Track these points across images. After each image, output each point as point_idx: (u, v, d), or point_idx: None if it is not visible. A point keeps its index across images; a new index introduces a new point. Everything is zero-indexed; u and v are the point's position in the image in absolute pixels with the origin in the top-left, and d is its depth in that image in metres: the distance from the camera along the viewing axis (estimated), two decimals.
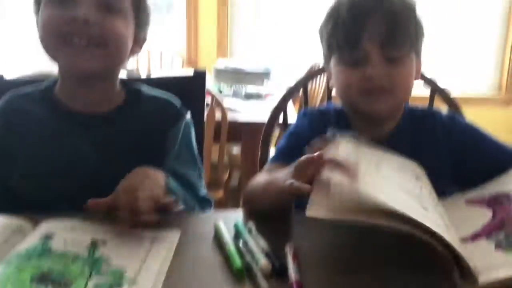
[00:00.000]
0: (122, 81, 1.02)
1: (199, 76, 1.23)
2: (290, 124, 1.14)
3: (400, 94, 0.94)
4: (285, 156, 0.96)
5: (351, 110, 1.01)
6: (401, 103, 0.98)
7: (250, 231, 0.75)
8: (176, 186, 0.88)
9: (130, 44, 0.94)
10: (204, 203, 0.99)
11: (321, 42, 1.01)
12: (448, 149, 0.97)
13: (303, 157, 0.76)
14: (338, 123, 1.02)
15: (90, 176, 0.92)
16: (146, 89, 1.04)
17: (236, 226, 0.77)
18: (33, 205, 0.85)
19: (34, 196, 0.91)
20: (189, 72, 1.24)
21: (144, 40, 1.01)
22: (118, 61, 0.94)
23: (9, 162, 0.93)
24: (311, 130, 1.02)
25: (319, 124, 1.02)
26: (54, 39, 0.88)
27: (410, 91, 0.96)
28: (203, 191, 1.01)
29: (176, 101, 1.04)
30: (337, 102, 1.11)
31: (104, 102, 0.97)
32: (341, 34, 0.92)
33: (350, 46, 0.92)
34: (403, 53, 0.93)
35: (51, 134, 0.94)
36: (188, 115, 1.04)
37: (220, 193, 2.21)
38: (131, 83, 1.05)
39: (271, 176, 0.87)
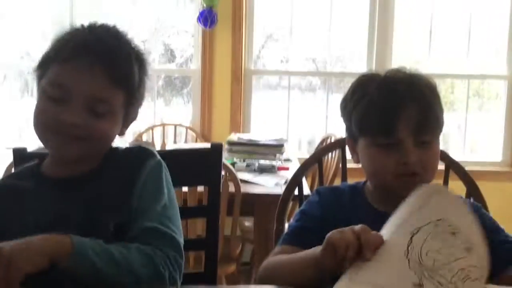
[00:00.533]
0: None
1: (216, 149, 1.26)
2: (307, 196, 1.15)
3: (430, 177, 0.97)
4: (296, 237, 0.96)
5: (380, 187, 1.01)
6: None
7: None
8: (91, 252, 0.84)
9: (116, 133, 1.02)
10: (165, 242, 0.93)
11: (345, 116, 1.03)
12: None
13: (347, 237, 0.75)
14: (353, 199, 1.03)
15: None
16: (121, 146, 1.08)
17: None
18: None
19: None
20: (204, 145, 1.27)
21: (133, 120, 1.06)
22: (103, 149, 1.02)
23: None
24: (322, 208, 1.02)
25: (330, 203, 1.03)
26: (44, 129, 0.96)
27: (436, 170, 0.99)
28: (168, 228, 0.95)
29: (147, 148, 1.06)
30: (351, 176, 1.12)
31: (86, 166, 1.01)
32: (376, 120, 0.95)
33: (385, 132, 0.94)
34: (434, 137, 0.96)
35: (37, 203, 0.97)
36: (158, 156, 1.04)
37: (232, 268, 2.17)
38: None
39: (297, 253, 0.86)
